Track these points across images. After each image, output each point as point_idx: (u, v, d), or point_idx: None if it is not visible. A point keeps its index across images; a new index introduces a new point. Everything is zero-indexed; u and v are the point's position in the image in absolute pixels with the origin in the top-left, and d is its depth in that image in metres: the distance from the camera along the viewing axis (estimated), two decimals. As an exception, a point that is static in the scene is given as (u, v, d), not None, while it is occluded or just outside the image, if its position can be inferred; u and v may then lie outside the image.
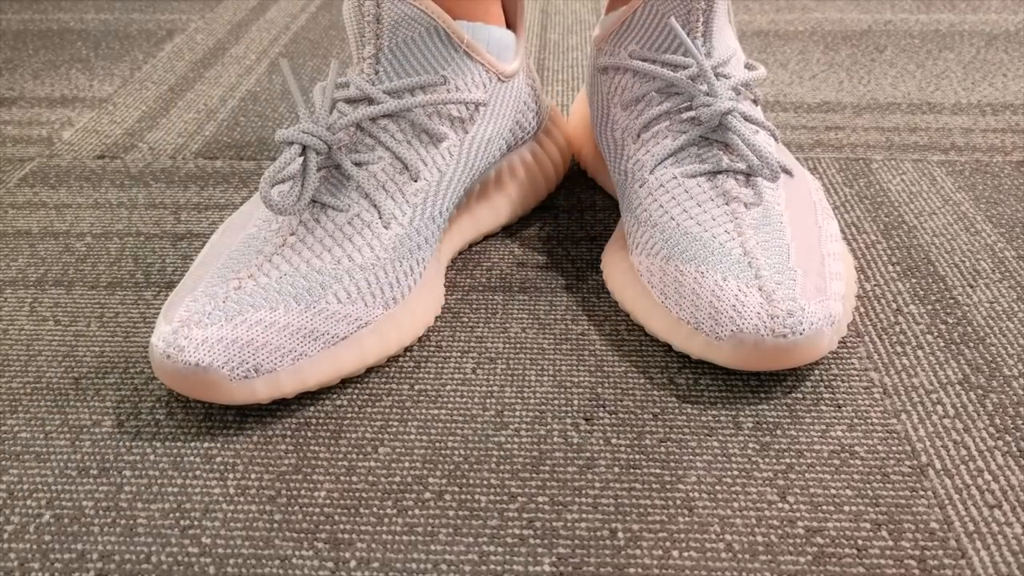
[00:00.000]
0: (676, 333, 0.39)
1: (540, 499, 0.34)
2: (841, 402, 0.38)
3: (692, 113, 0.44)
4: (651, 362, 0.40)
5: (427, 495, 0.34)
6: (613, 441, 0.36)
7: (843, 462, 0.35)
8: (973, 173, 0.56)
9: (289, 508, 0.33)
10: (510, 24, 0.50)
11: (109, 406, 0.38)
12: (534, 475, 0.35)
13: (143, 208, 0.54)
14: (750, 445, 0.36)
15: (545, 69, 0.73)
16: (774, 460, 0.35)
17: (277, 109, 0.67)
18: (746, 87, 0.45)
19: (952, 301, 0.44)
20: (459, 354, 0.41)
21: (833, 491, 0.34)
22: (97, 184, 0.56)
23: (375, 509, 0.33)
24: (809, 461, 0.35)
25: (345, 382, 0.39)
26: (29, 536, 0.32)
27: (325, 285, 0.38)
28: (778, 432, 0.36)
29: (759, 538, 0.32)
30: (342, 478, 0.35)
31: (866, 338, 0.42)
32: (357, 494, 0.34)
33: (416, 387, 0.39)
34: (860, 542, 0.32)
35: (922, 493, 0.34)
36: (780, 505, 0.33)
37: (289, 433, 0.37)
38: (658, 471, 0.35)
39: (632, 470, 0.35)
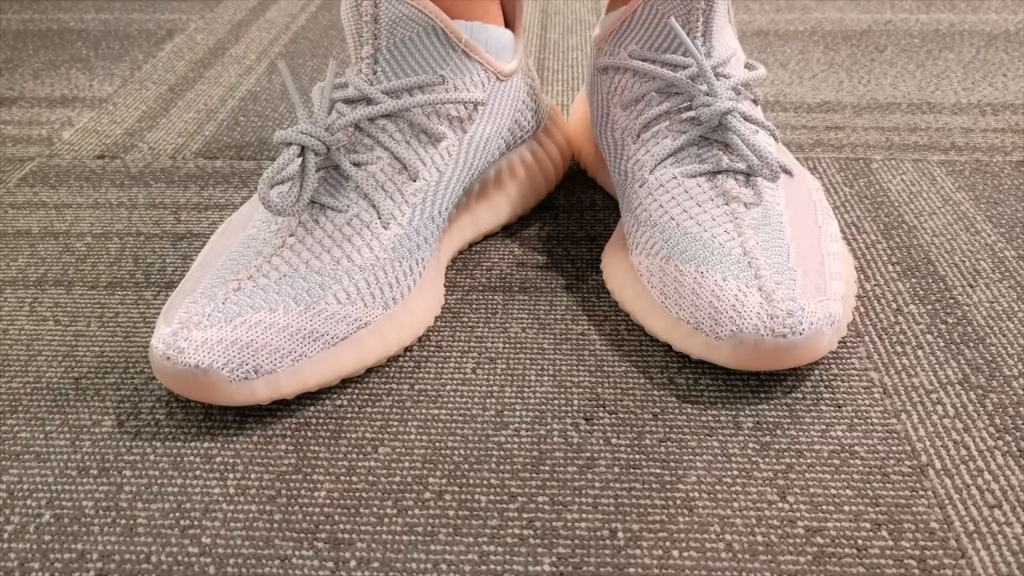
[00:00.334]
0: (676, 333, 0.39)
1: (540, 499, 0.34)
2: (841, 402, 0.38)
3: (692, 113, 0.44)
4: (651, 362, 0.40)
5: (427, 495, 0.34)
6: (613, 441, 0.36)
7: (843, 462, 0.35)
8: (973, 173, 0.56)
9: (289, 508, 0.33)
10: (509, 23, 0.50)
11: (109, 406, 0.38)
12: (534, 475, 0.35)
13: (143, 208, 0.54)
14: (750, 445, 0.36)
15: (545, 69, 0.73)
16: (774, 460, 0.35)
17: (277, 109, 0.67)
18: (746, 87, 0.45)
19: (952, 301, 0.44)
20: (459, 354, 0.41)
21: (833, 491, 0.34)
22: (97, 184, 0.56)
23: (375, 509, 0.33)
24: (809, 461, 0.35)
25: (345, 382, 0.39)
26: (29, 536, 0.32)
27: (324, 286, 0.38)
28: (778, 432, 0.36)
29: (759, 538, 0.32)
30: (342, 478, 0.35)
31: (866, 338, 0.42)
32: (357, 494, 0.34)
33: (416, 387, 0.39)
34: (860, 542, 0.32)
35: (922, 493, 0.34)
36: (780, 505, 0.33)
37: (289, 433, 0.37)
38: (658, 471, 0.35)
39: (632, 470, 0.35)
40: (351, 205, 0.40)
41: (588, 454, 0.36)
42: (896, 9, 0.86)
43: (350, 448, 0.36)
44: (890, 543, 0.32)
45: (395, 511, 0.33)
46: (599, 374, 0.40)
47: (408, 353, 0.41)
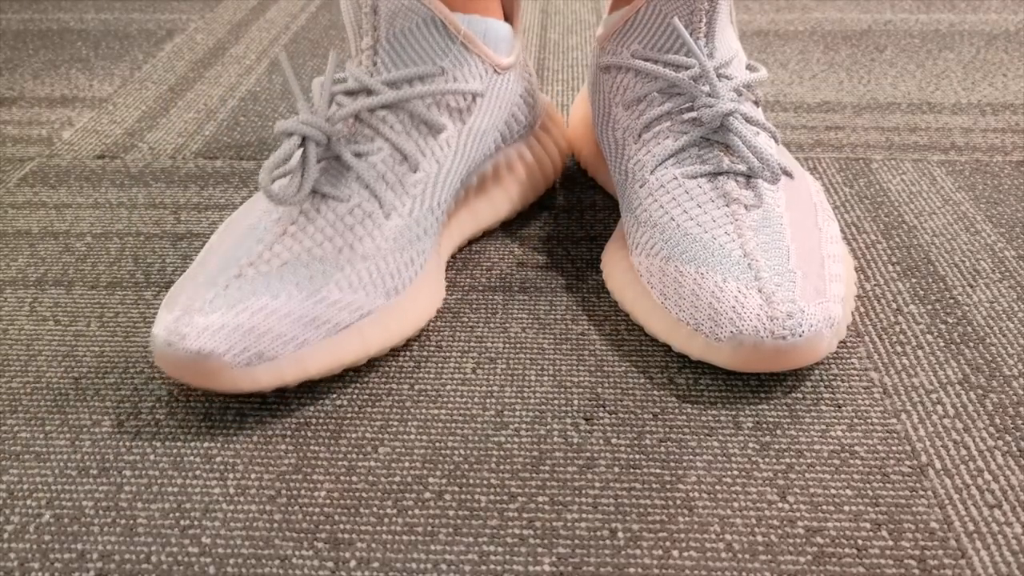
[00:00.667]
0: (676, 334, 0.39)
1: (540, 499, 0.34)
2: (841, 402, 0.38)
3: (694, 114, 0.44)
4: (651, 362, 0.40)
5: (427, 495, 0.34)
6: (613, 441, 0.36)
7: (843, 462, 0.35)
8: (973, 173, 0.56)
9: (289, 508, 0.33)
10: (507, 18, 0.50)
11: (109, 406, 0.38)
12: (534, 475, 0.35)
13: (143, 208, 0.54)
14: (750, 445, 0.36)
15: (545, 69, 0.73)
16: (774, 460, 0.35)
17: (277, 109, 0.67)
18: (748, 88, 0.45)
19: (952, 301, 0.44)
20: (459, 354, 0.41)
21: (833, 491, 0.34)
22: (97, 184, 0.56)
23: (375, 509, 0.33)
24: (809, 461, 0.35)
25: (345, 381, 0.39)
26: (29, 536, 0.32)
27: (327, 273, 0.38)
28: (778, 432, 0.36)
29: (759, 538, 0.32)
30: (342, 478, 0.35)
31: (866, 338, 0.42)
32: (357, 494, 0.34)
33: (416, 387, 0.39)
34: (860, 542, 0.32)
35: (922, 493, 0.34)
36: (780, 505, 0.33)
37: (289, 433, 0.37)
38: (658, 471, 0.35)
39: (632, 470, 0.35)
40: (352, 195, 0.40)
41: (588, 454, 0.36)
42: (896, 9, 0.86)
43: (350, 448, 0.36)
44: (890, 543, 0.32)
45: (395, 511, 0.33)
46: (599, 374, 0.40)
47: (408, 353, 0.41)
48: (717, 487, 0.34)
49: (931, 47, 0.76)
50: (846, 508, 0.33)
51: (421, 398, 0.39)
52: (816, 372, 0.40)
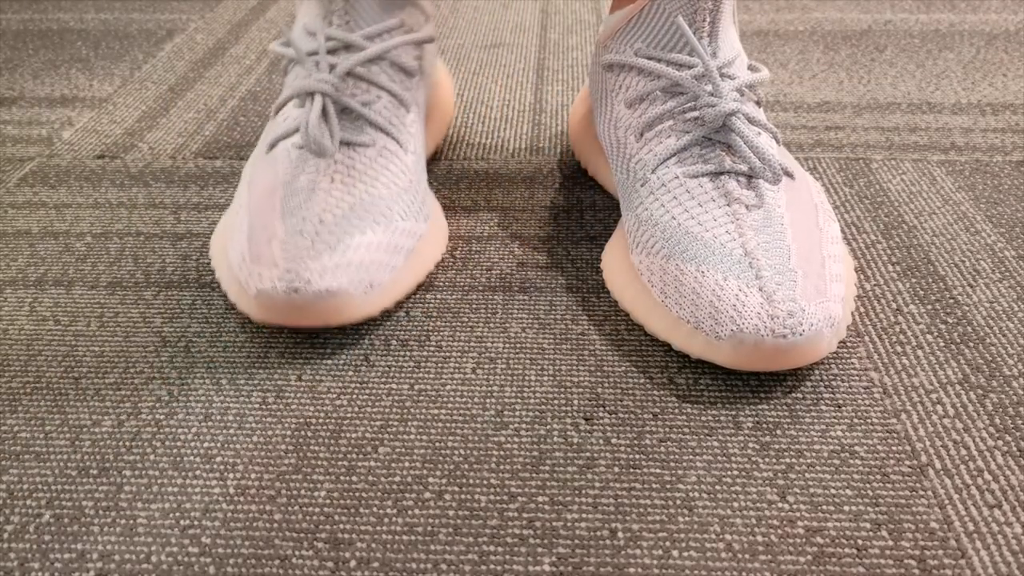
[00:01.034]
0: (676, 332, 0.39)
1: (540, 499, 0.34)
2: (841, 402, 0.38)
3: (696, 113, 0.44)
4: (651, 362, 0.40)
5: (427, 495, 0.34)
6: (613, 441, 0.36)
7: (843, 462, 0.35)
8: (973, 173, 0.56)
9: (289, 508, 0.33)
10: None
11: (109, 406, 0.38)
12: (534, 475, 0.35)
13: (143, 208, 0.54)
14: (750, 445, 0.36)
15: (545, 69, 0.73)
16: (774, 460, 0.35)
17: (277, 109, 0.67)
18: (750, 88, 0.45)
19: (952, 301, 0.44)
20: (459, 354, 0.41)
21: (833, 491, 0.34)
22: (97, 184, 0.56)
23: (375, 509, 0.33)
24: (809, 461, 0.35)
25: (345, 381, 0.39)
26: (29, 536, 0.32)
27: (390, 206, 0.43)
28: (778, 432, 0.36)
29: (759, 538, 0.32)
30: (342, 478, 0.35)
31: (866, 338, 0.42)
32: (357, 494, 0.34)
33: (416, 387, 0.39)
34: (860, 542, 0.32)
35: (922, 493, 0.34)
36: (780, 505, 0.33)
37: (289, 433, 0.37)
38: (658, 471, 0.35)
39: (632, 470, 0.35)
40: (376, 139, 0.45)
41: (588, 454, 0.36)
42: (896, 9, 0.86)
43: (350, 448, 0.36)
44: (890, 543, 0.32)
45: (395, 511, 0.33)
46: (599, 374, 0.40)
47: (408, 353, 0.41)
48: (717, 487, 0.34)
49: (931, 47, 0.76)
50: (846, 508, 0.33)
51: (421, 398, 0.39)
52: (816, 372, 0.40)
